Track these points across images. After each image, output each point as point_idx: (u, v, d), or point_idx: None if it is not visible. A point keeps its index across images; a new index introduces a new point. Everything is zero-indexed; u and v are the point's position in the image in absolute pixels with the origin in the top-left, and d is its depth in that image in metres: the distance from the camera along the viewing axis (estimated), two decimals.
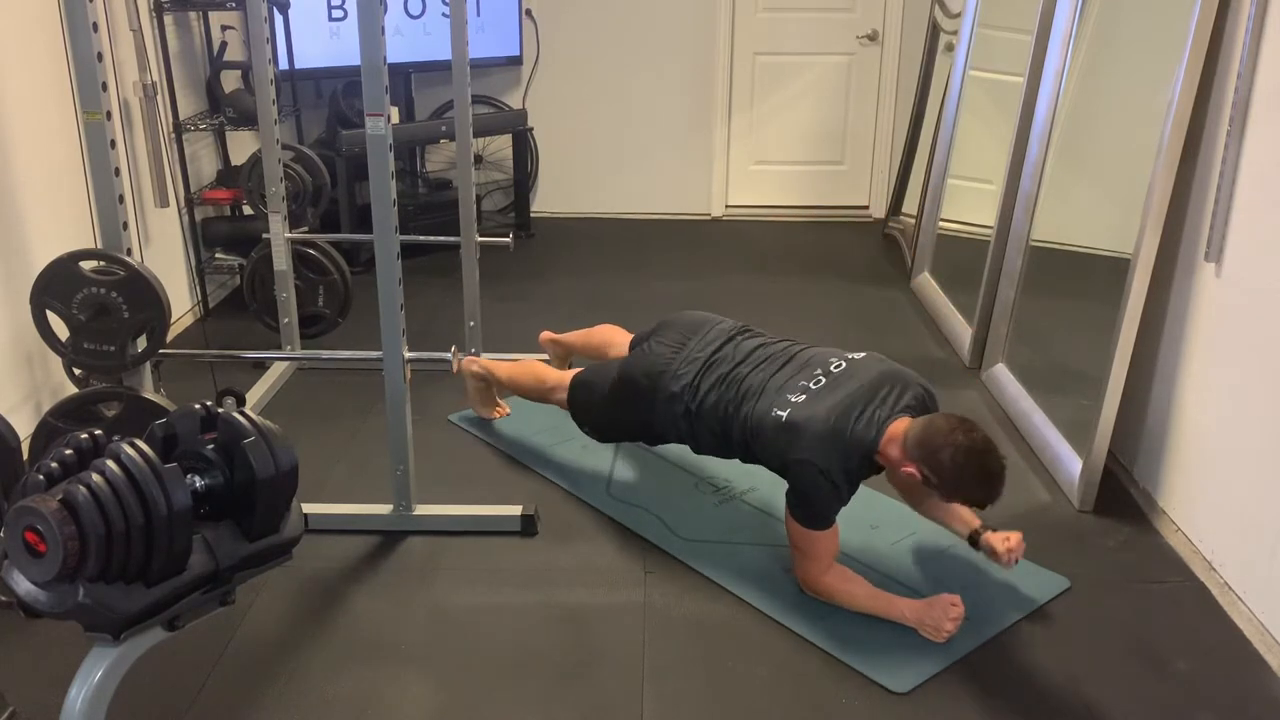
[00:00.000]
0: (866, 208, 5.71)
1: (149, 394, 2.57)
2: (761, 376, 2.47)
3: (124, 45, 3.57)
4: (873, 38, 5.40)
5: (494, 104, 5.40)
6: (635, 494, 2.87)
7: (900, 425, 2.25)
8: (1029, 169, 3.41)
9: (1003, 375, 3.49)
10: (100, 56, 2.33)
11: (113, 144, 2.40)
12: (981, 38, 4.12)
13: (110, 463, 1.39)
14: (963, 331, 3.84)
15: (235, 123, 4.16)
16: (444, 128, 4.93)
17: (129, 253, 2.49)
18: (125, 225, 2.48)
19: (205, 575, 1.49)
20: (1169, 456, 2.74)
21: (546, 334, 3.36)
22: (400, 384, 2.55)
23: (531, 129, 5.34)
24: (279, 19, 4.44)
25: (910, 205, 4.96)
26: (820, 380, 2.39)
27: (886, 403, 2.30)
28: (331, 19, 4.67)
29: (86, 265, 2.46)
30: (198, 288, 4.16)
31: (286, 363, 3.62)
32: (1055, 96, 3.32)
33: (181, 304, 4.04)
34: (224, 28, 4.28)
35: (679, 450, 3.03)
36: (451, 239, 3.61)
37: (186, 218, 4.05)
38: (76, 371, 2.75)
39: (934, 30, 4.90)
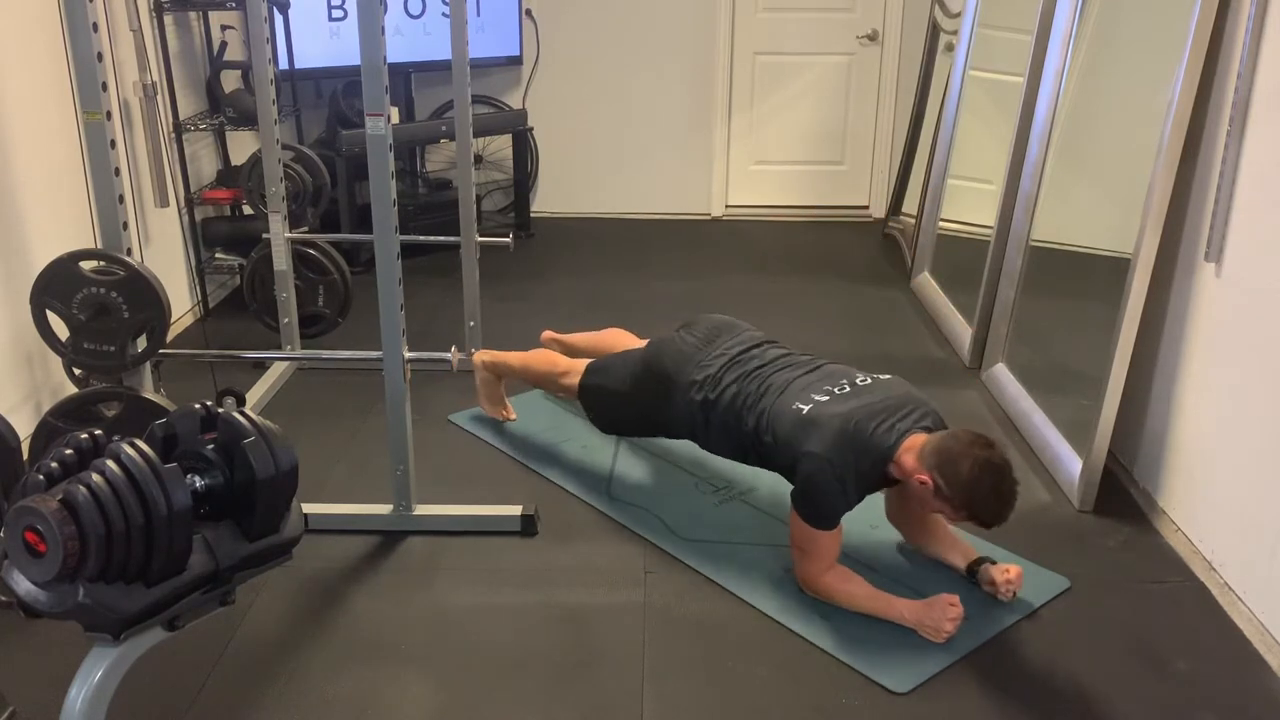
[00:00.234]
0: (866, 208, 5.71)
1: (149, 394, 2.57)
2: (786, 377, 2.50)
3: (124, 45, 3.57)
4: (873, 38, 5.40)
5: (494, 104, 5.40)
6: (635, 494, 2.87)
7: (918, 439, 2.28)
8: (1029, 169, 3.41)
9: (1003, 375, 3.49)
10: (100, 56, 2.33)
11: (113, 144, 2.41)
12: (981, 38, 4.12)
13: (110, 463, 1.39)
14: (963, 331, 3.84)
15: (235, 123, 4.16)
16: (444, 128, 4.93)
17: (129, 253, 2.49)
18: (125, 225, 2.48)
19: (205, 575, 1.49)
20: (1169, 456, 2.74)
21: (549, 333, 3.37)
22: (400, 384, 2.55)
23: (531, 129, 5.34)
24: (279, 19, 4.44)
25: (910, 205, 4.96)
26: (845, 388, 2.42)
27: (908, 418, 2.33)
28: (331, 19, 4.67)
29: (86, 265, 2.46)
30: (198, 288, 4.16)
31: (286, 363, 3.62)
32: (1055, 96, 3.32)
33: (181, 304, 4.04)
34: (224, 28, 4.28)
35: (679, 450, 3.04)
36: (451, 239, 3.61)
37: (186, 218, 4.05)
38: (76, 371, 2.75)
39: (934, 30, 4.90)
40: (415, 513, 2.69)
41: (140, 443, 1.43)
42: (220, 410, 1.55)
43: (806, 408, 2.37)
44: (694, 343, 2.69)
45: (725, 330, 2.72)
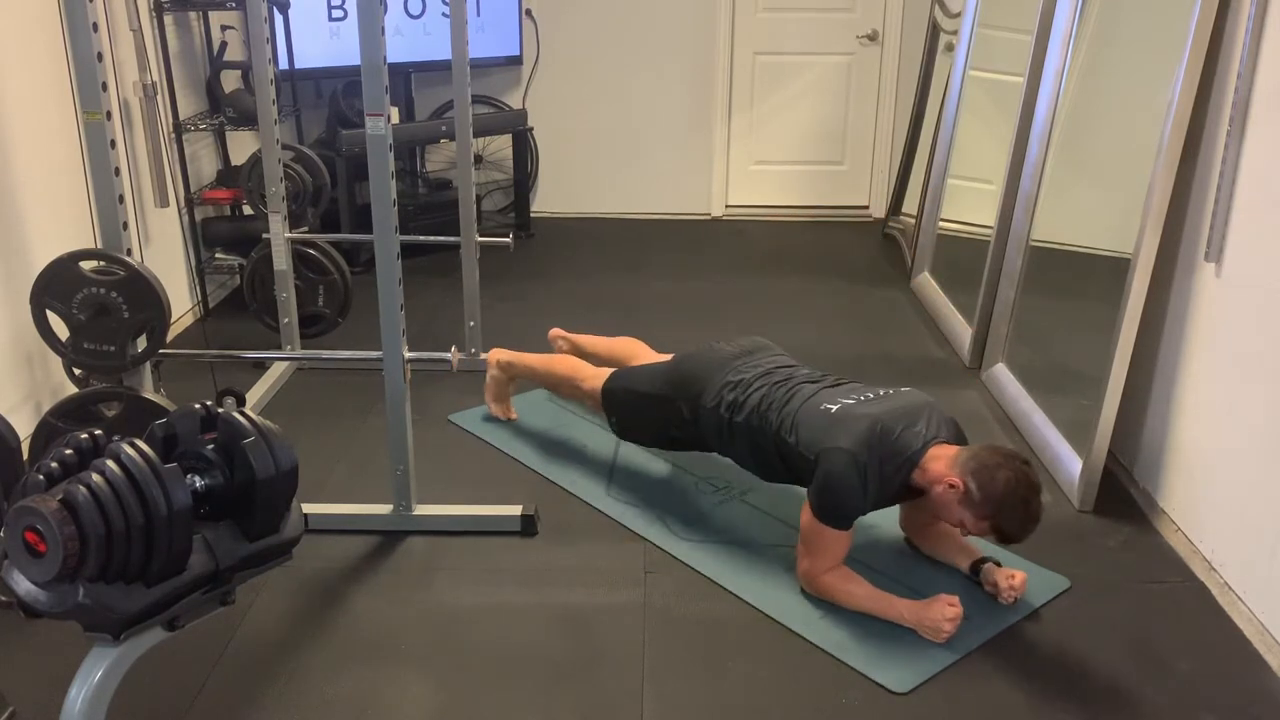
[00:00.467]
0: (866, 208, 5.71)
1: (149, 394, 2.57)
2: (813, 388, 2.55)
3: (124, 45, 3.58)
4: (873, 38, 5.40)
5: (494, 104, 5.40)
6: (635, 494, 2.87)
7: (946, 448, 2.31)
8: (1029, 169, 3.41)
9: (1003, 375, 3.49)
10: (100, 56, 2.33)
11: (113, 144, 2.40)
12: (981, 38, 4.12)
13: (110, 463, 1.39)
14: (963, 331, 3.84)
15: (235, 123, 4.16)
16: (444, 128, 4.94)
17: (129, 253, 2.49)
18: (125, 225, 2.48)
19: (205, 575, 1.49)
20: (1169, 456, 2.74)
21: (558, 331, 3.37)
22: (400, 384, 2.55)
23: (531, 129, 5.34)
24: (279, 19, 4.44)
25: (910, 205, 4.96)
26: (870, 395, 2.47)
27: (933, 426, 2.37)
28: (331, 19, 4.67)
29: (86, 265, 2.46)
30: (198, 288, 4.16)
31: (286, 363, 3.62)
32: (1055, 96, 3.32)
33: (181, 304, 4.04)
34: (224, 28, 4.28)
35: (680, 451, 3.04)
36: (451, 239, 3.61)
37: (186, 218, 4.05)
38: (76, 371, 2.75)
39: (934, 30, 4.90)
40: (415, 513, 2.69)
41: (140, 443, 1.43)
42: (220, 410, 1.55)
43: (834, 408, 2.41)
44: (731, 351, 2.75)
45: (761, 348, 2.78)
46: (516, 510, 2.70)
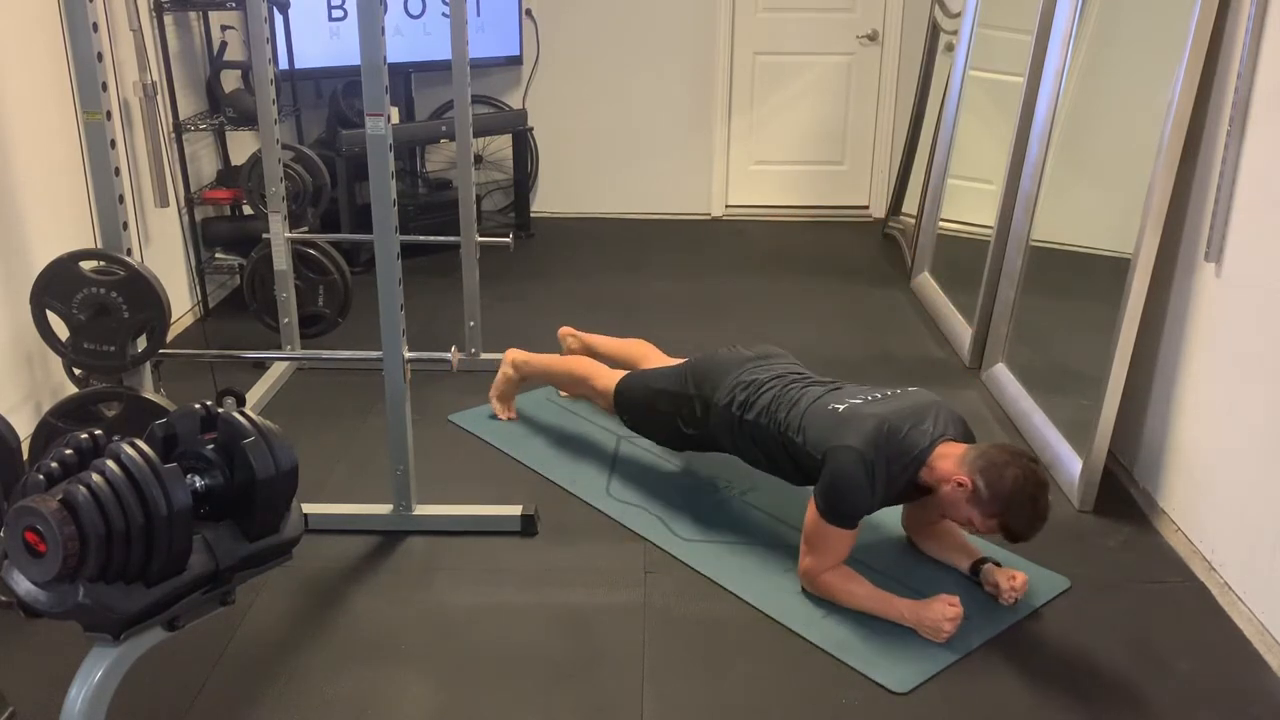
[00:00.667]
0: (866, 208, 5.71)
1: (149, 394, 2.57)
2: (819, 389, 2.57)
3: (124, 45, 3.58)
4: (873, 38, 5.40)
5: (494, 104, 5.40)
6: (635, 494, 2.87)
7: (954, 446, 2.32)
8: (1029, 169, 3.41)
9: (1003, 375, 3.49)
10: (100, 56, 2.33)
11: (113, 144, 2.41)
12: (981, 38, 4.12)
13: (110, 463, 1.39)
14: (963, 331, 3.84)
15: (235, 123, 4.16)
16: (444, 128, 4.93)
17: (129, 253, 2.49)
18: (125, 225, 2.48)
19: (205, 575, 1.49)
20: (1169, 456, 2.74)
21: (568, 329, 3.37)
22: (400, 384, 2.55)
23: (531, 129, 5.34)
24: (279, 19, 4.44)
25: (910, 205, 4.96)
26: (877, 395, 2.49)
27: (940, 424, 2.37)
28: (331, 19, 4.67)
29: (86, 265, 2.46)
30: (198, 288, 4.16)
31: (286, 363, 3.62)
32: (1055, 96, 3.32)
33: (181, 304, 4.04)
34: (224, 28, 4.28)
35: (679, 451, 3.04)
36: (451, 239, 3.61)
37: (186, 218, 4.05)
38: (76, 371, 2.75)
39: (934, 30, 4.90)
40: (415, 513, 2.69)
41: (140, 443, 1.43)
42: (220, 410, 1.55)
43: (842, 407, 2.43)
44: (747, 355, 2.77)
45: (776, 355, 2.80)
46: (516, 510, 2.70)
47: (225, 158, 4.34)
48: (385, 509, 2.69)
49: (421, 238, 3.81)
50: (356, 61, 2.29)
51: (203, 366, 3.39)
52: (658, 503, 2.82)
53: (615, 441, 3.13)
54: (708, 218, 5.68)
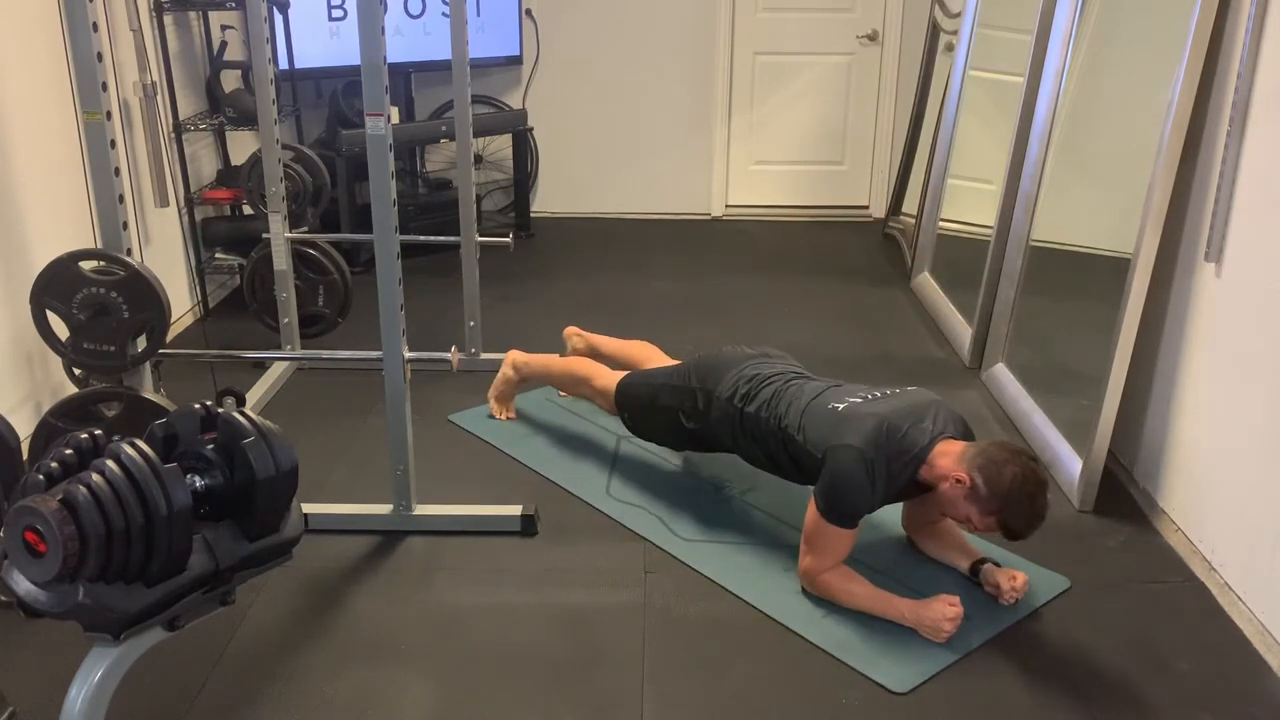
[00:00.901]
0: (866, 208, 5.71)
1: (149, 394, 2.57)
2: (819, 386, 2.58)
3: (124, 45, 3.57)
4: (873, 38, 5.40)
5: (494, 104, 5.40)
6: (635, 494, 2.87)
7: (954, 444, 2.32)
8: (1029, 169, 3.41)
9: (1003, 375, 3.49)
10: (100, 56, 2.33)
11: (113, 144, 2.40)
12: (981, 38, 4.12)
13: (110, 463, 1.39)
14: (963, 331, 3.84)
15: (235, 123, 4.16)
16: (444, 128, 4.93)
17: (129, 253, 2.49)
18: (125, 225, 2.48)
19: (205, 575, 1.49)
20: (1169, 456, 2.74)
21: (574, 329, 3.38)
22: (400, 384, 2.55)
23: (531, 129, 5.34)
24: (279, 19, 4.44)
25: (910, 205, 4.96)
26: (877, 394, 2.49)
27: (940, 422, 2.37)
28: (331, 19, 4.67)
29: (86, 265, 2.46)
30: (198, 288, 4.16)
31: (286, 363, 3.62)
32: (1055, 96, 3.32)
33: (181, 304, 4.04)
34: (224, 28, 4.28)
35: (679, 451, 3.05)
36: (451, 239, 3.61)
37: (186, 218, 4.05)
38: (76, 371, 2.75)
39: (934, 30, 4.90)
40: (415, 513, 2.69)
41: (140, 443, 1.43)
42: (220, 410, 1.55)
43: (842, 406, 2.43)
44: (752, 352, 2.78)
45: (780, 356, 2.81)
46: (516, 510, 2.70)
47: (225, 158, 4.34)
48: (385, 509, 2.69)
49: (421, 238, 3.82)
50: (356, 61, 2.29)
51: (203, 366, 3.39)
52: (658, 503, 2.82)
53: (615, 441, 3.13)
54: (708, 218, 5.68)
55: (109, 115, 2.38)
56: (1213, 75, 2.54)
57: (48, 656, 2.20)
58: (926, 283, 4.39)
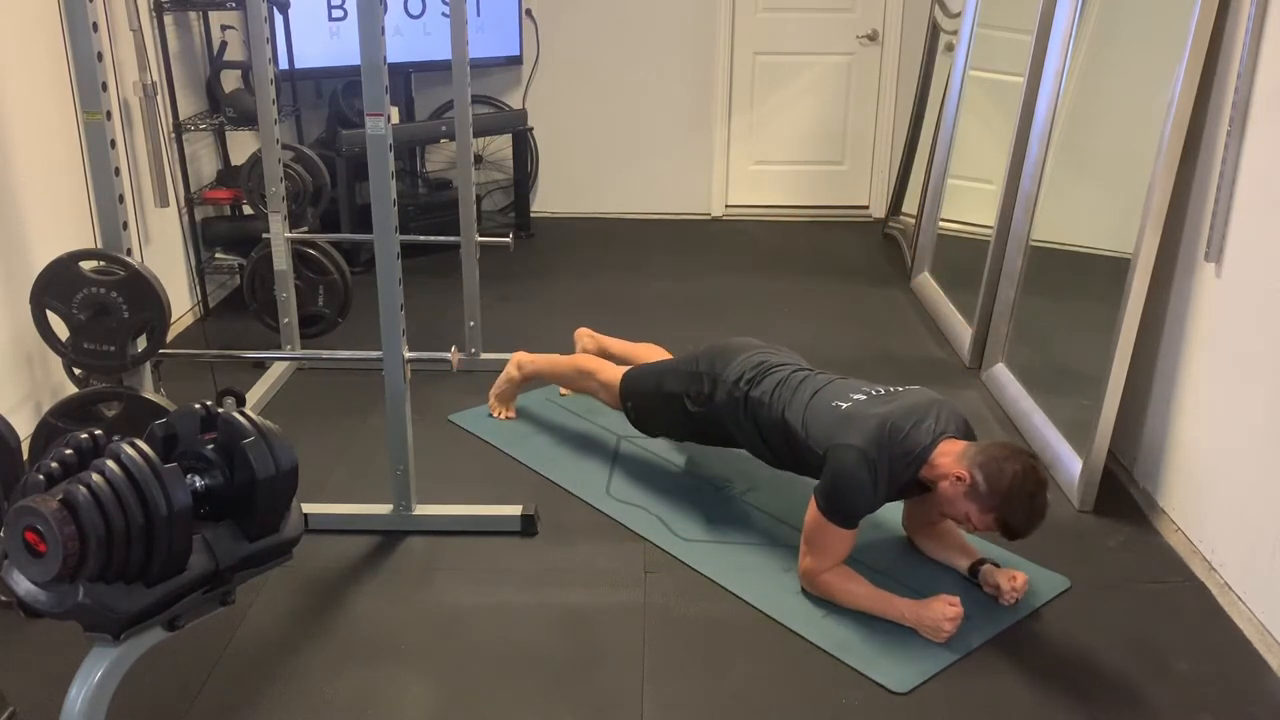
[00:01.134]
0: (866, 208, 5.71)
1: (149, 394, 2.57)
2: (823, 380, 2.59)
3: (124, 45, 3.57)
4: (873, 38, 5.40)
5: (494, 104, 5.40)
6: (635, 494, 2.87)
7: (955, 443, 2.32)
8: (1029, 169, 3.41)
9: (1003, 375, 3.49)
10: (100, 56, 2.33)
11: (113, 144, 2.40)
12: (981, 38, 4.12)
13: (110, 463, 1.39)
14: (963, 331, 3.84)
15: (235, 123, 4.16)
16: (444, 128, 4.93)
17: (129, 253, 2.49)
18: (125, 225, 2.48)
19: (205, 575, 1.49)
20: (1169, 456, 2.74)
21: (585, 330, 3.39)
22: (400, 384, 2.55)
23: (531, 129, 5.34)
24: (279, 19, 4.44)
25: (910, 205, 4.96)
26: (879, 392, 2.50)
27: (942, 421, 2.37)
28: (331, 19, 4.67)
29: (86, 265, 2.46)
30: (198, 288, 4.16)
31: (286, 363, 3.62)
32: (1055, 96, 3.32)
33: (181, 304, 4.04)
34: (224, 28, 4.28)
35: (679, 450, 3.05)
36: (451, 239, 3.61)
37: (186, 218, 4.05)
38: (76, 371, 2.75)
39: (934, 30, 4.90)
40: (415, 513, 2.69)
41: (140, 443, 1.43)
42: (220, 410, 1.55)
43: (845, 405, 2.43)
44: (758, 343, 2.80)
45: (785, 351, 2.82)
46: (516, 510, 2.70)
47: (225, 158, 4.34)
48: (385, 509, 2.69)
49: (421, 238, 3.82)
50: (356, 61, 2.29)
51: (203, 366, 3.39)
52: (658, 503, 2.82)
53: (615, 441, 3.14)
54: (708, 218, 5.68)
55: (109, 115, 2.38)
56: (1213, 75, 2.54)
57: (48, 656, 2.20)
58: (926, 283, 4.39)
